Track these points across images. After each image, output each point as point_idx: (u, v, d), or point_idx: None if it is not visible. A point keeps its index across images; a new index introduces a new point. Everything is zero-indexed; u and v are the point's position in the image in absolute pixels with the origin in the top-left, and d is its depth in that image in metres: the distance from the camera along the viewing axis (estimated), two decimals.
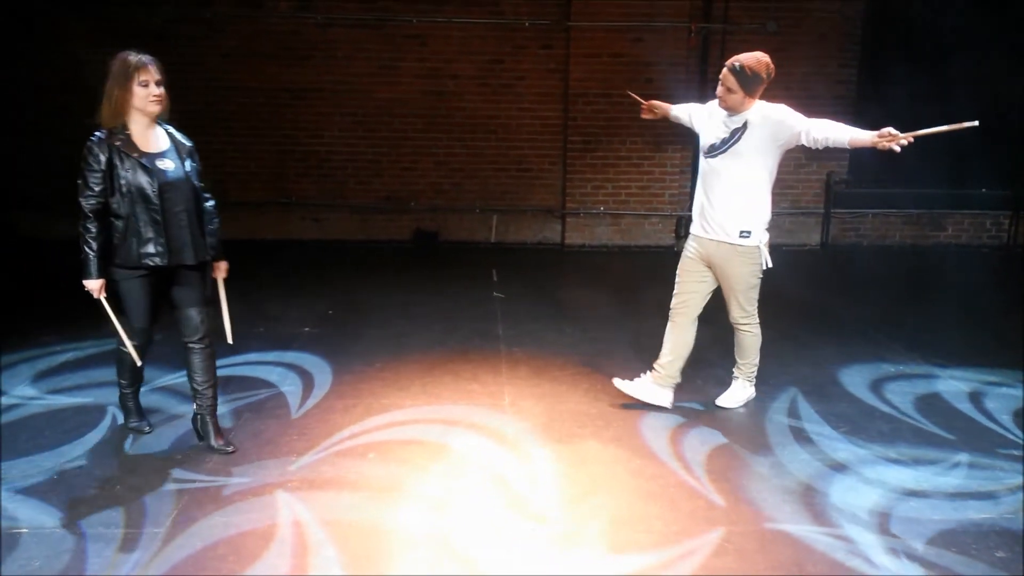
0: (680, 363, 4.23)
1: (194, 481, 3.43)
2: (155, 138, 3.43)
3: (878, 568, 2.90)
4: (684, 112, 4.27)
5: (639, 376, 4.32)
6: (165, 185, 3.35)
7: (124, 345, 3.57)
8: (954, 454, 3.82)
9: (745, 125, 3.81)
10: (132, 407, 3.91)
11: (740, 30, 8.08)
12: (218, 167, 8.23)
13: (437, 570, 2.85)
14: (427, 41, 8.16)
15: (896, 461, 3.73)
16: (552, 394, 4.50)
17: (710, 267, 4.08)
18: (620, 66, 8.02)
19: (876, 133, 3.55)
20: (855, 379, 4.77)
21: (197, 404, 3.72)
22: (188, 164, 3.47)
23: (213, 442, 3.70)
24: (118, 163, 3.29)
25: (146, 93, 3.32)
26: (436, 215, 8.66)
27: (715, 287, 4.17)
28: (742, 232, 3.91)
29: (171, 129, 3.51)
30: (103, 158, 3.27)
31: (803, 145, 3.80)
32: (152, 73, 3.33)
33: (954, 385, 4.69)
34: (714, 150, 3.92)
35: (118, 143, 3.31)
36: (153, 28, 7.86)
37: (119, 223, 3.35)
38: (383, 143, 8.47)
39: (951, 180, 8.48)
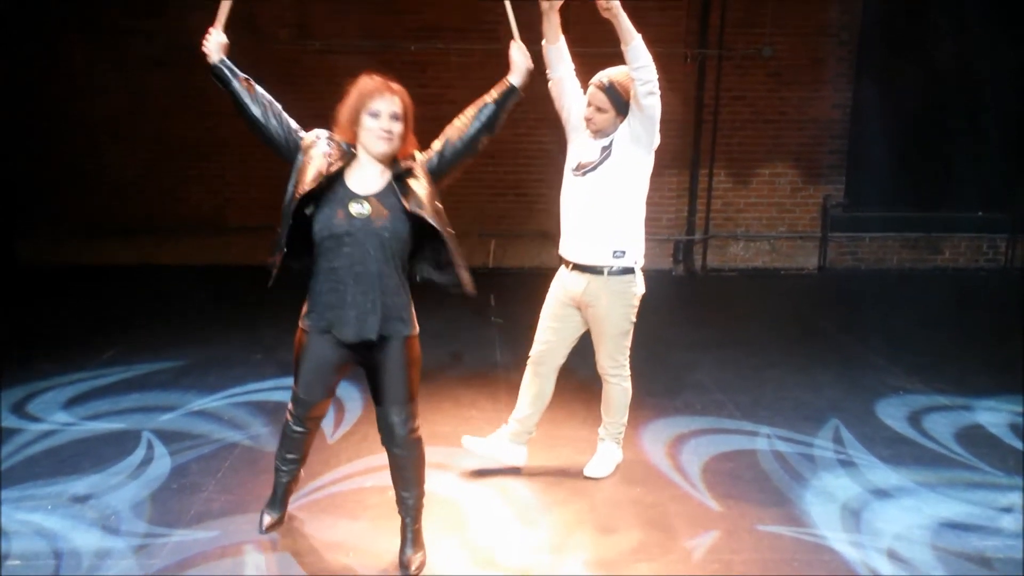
0: (538, 417, 3.86)
1: (167, 534, 3.37)
2: (370, 177, 2.81)
3: None
4: (567, 83, 3.77)
5: (497, 430, 3.93)
6: (352, 235, 2.71)
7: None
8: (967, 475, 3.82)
9: (612, 142, 3.48)
10: (276, 492, 3.19)
11: (735, 55, 8.15)
12: (218, 193, 8.27)
13: None
14: (426, 68, 8.22)
15: (901, 477, 3.72)
16: (550, 420, 4.47)
17: (578, 307, 3.69)
18: None
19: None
20: (856, 403, 4.77)
21: (400, 508, 3.12)
22: (392, 214, 2.75)
23: (403, 554, 3.06)
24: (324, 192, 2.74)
25: (376, 126, 2.74)
26: None
27: (583, 331, 3.76)
28: (615, 252, 3.50)
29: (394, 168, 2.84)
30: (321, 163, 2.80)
31: (647, 109, 3.35)
32: (388, 103, 2.75)
33: (968, 415, 4.67)
34: (582, 169, 3.54)
35: (334, 168, 2.75)
36: (153, 55, 7.92)
37: (316, 267, 2.80)
38: None
39: (948, 203, 8.53)
